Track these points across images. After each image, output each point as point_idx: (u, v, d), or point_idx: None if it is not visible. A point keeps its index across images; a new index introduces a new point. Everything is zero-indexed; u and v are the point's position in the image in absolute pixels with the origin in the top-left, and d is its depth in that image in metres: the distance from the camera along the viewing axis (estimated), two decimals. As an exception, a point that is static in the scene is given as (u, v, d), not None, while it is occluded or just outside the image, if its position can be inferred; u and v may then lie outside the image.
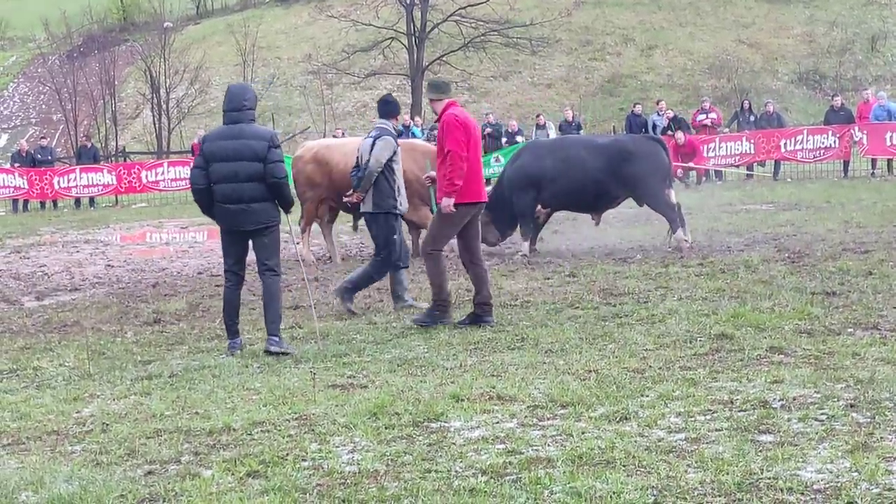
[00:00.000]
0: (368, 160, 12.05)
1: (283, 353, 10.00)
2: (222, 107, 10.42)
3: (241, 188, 10.11)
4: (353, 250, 19.08)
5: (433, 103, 11.45)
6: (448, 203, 11.03)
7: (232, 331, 10.48)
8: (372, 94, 57.79)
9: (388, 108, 12.45)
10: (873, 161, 31.26)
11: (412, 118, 38.04)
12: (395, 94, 56.74)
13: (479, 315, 11.11)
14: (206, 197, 10.38)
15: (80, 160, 37.01)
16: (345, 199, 12.67)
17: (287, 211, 10.50)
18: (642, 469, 6.03)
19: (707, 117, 33.54)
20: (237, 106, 10.22)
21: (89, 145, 39.08)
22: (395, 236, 12.31)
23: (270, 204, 10.24)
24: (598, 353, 9.15)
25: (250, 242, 10.52)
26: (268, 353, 10.07)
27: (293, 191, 11.71)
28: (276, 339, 10.20)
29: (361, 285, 12.45)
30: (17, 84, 70.18)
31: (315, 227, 18.17)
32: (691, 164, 30.08)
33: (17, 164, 36.46)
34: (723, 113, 37.06)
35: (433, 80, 12.17)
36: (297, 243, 13.91)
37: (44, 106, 64.48)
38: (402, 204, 12.39)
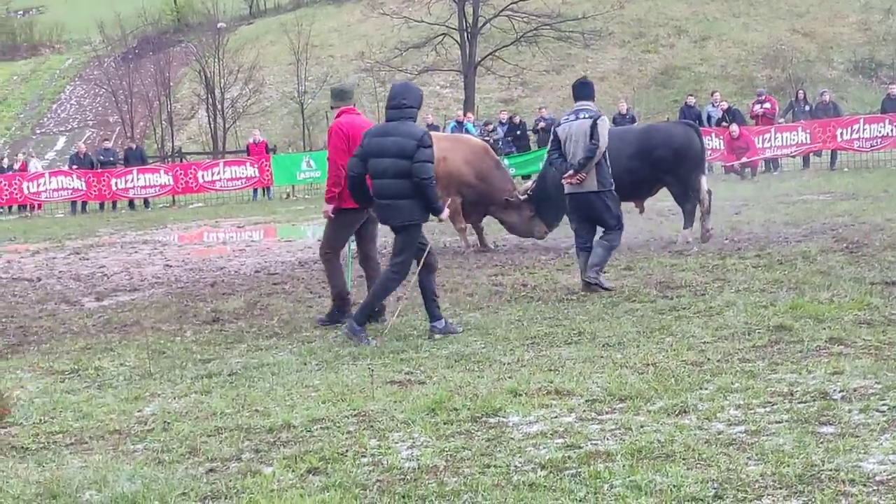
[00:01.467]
0: (595, 141, 12.29)
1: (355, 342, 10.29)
2: (385, 105, 10.74)
3: (389, 184, 10.36)
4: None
5: (333, 110, 11.92)
6: (326, 209, 11.84)
7: (433, 313, 10.71)
8: (425, 91, 57.65)
9: (586, 89, 12.87)
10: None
11: (465, 114, 38.02)
12: (447, 90, 57.02)
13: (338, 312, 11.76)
14: (357, 185, 10.69)
15: (129, 162, 37.31)
16: (563, 180, 12.76)
17: (431, 212, 10.58)
18: (702, 462, 6.01)
19: (761, 107, 33.37)
20: (396, 104, 10.48)
21: (135, 147, 39.41)
22: (619, 211, 12.84)
23: (417, 202, 10.39)
24: (656, 347, 9.11)
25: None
26: (342, 333, 10.48)
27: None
28: (357, 327, 10.44)
29: (605, 260, 12.70)
30: (73, 87, 70.89)
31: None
32: (745, 160, 29.95)
33: (75, 167, 36.81)
34: (778, 103, 36.80)
35: (333, 87, 12.50)
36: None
37: (100, 108, 65.11)
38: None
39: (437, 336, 10.39)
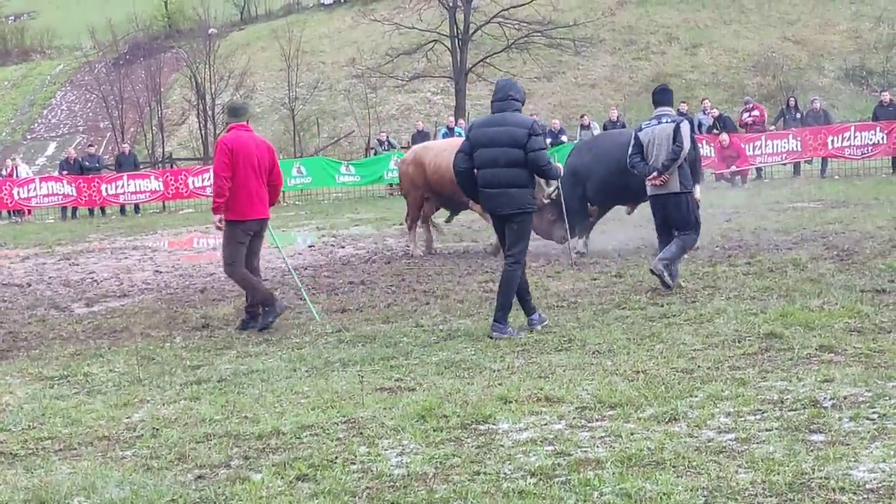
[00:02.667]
0: (679, 144, 12.59)
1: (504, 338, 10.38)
2: (490, 99, 11.01)
3: (501, 173, 10.57)
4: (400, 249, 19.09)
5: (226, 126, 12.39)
6: (214, 219, 12.35)
7: (527, 308, 10.96)
8: (416, 98, 57.97)
9: (667, 95, 13.28)
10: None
11: (456, 121, 38.02)
12: (438, 96, 57.03)
13: (249, 318, 12.26)
14: (467, 180, 10.97)
15: (121, 168, 37.25)
16: (647, 182, 13.08)
17: (546, 177, 11.20)
18: (692, 470, 6.00)
19: (749, 115, 33.44)
20: (503, 97, 10.76)
21: (127, 152, 39.33)
22: (699, 212, 13.15)
23: (528, 190, 10.63)
24: (646, 354, 9.11)
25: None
26: (490, 337, 10.44)
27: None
28: (500, 325, 10.55)
29: (677, 259, 12.87)
30: (64, 92, 70.82)
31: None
32: (735, 168, 29.99)
33: (65, 172, 36.75)
34: (767, 110, 36.85)
35: (228, 105, 13.09)
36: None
37: (91, 114, 65.02)
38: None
39: (537, 328, 10.65)
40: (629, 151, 13.28)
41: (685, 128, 12.71)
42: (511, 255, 10.73)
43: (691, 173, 12.85)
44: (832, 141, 31.43)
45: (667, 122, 12.79)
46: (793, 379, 7.88)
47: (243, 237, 12.17)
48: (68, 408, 8.69)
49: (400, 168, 19.34)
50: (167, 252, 22.18)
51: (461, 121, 38.75)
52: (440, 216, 19.82)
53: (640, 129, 13.16)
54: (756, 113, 33.63)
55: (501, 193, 10.58)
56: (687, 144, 12.60)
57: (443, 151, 17.59)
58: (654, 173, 12.79)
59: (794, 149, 31.52)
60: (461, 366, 9.20)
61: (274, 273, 16.91)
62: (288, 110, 55.65)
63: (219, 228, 12.32)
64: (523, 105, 10.89)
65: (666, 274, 12.50)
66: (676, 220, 12.97)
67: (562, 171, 11.18)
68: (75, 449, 7.47)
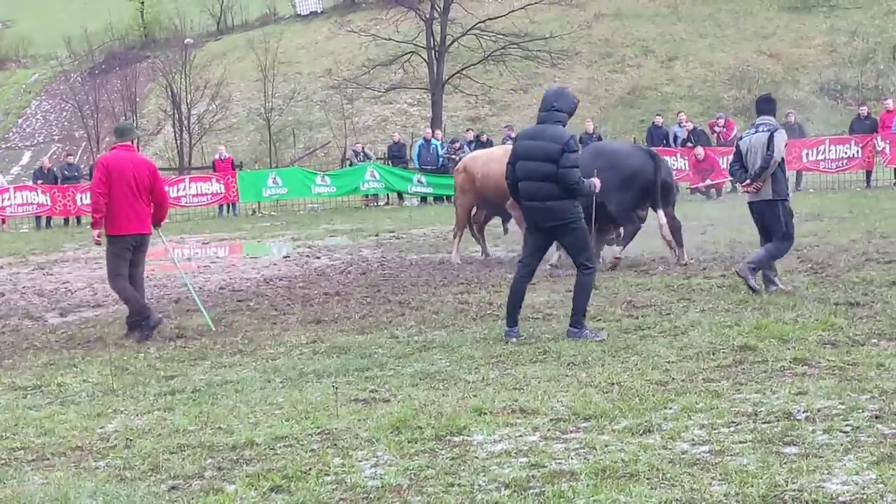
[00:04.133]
0: (771, 152, 12.72)
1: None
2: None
3: (537, 186, 10.59)
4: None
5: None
6: (93, 234, 12.97)
7: (511, 318, 10.94)
8: (392, 109, 57.97)
9: (770, 105, 13.40)
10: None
11: (433, 132, 38.04)
12: (415, 107, 57.06)
13: (131, 329, 12.62)
14: (515, 192, 11.01)
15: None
16: (741, 190, 13.39)
17: (575, 195, 10.71)
18: (666, 482, 6.01)
19: (719, 128, 33.57)
20: (546, 108, 10.80)
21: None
22: (792, 220, 13.22)
23: (568, 202, 10.58)
24: (621, 366, 9.13)
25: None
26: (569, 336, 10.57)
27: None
28: (576, 329, 10.61)
29: (763, 264, 12.94)
30: (39, 101, 70.58)
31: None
32: (709, 181, 30.09)
33: (39, 181, 36.60)
34: (743, 123, 36.94)
35: (115, 126, 13.59)
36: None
37: (66, 123, 64.82)
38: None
39: (513, 340, 10.66)
40: (731, 159, 13.59)
41: (779, 137, 12.87)
42: (581, 263, 10.74)
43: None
44: (807, 154, 31.54)
45: (763, 130, 12.95)
46: (767, 391, 7.91)
47: (122, 251, 12.67)
48: (41, 418, 8.65)
49: (454, 175, 19.77)
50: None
51: (438, 132, 38.77)
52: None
53: (741, 139, 13.40)
54: (720, 129, 33.70)
55: (540, 207, 10.62)
56: (779, 153, 12.75)
57: (491, 160, 17.85)
58: (748, 181, 13.01)
59: (769, 162, 31.58)
60: (436, 377, 9.20)
61: (249, 284, 16.86)
62: (264, 121, 55.60)
63: (97, 243, 13.06)
64: (571, 115, 10.83)
65: (751, 278, 12.61)
66: (767, 227, 13.13)
67: (597, 187, 11.05)
68: (48, 459, 7.43)
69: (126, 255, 12.71)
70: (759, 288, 12.56)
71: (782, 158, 12.86)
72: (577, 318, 10.67)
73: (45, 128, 66.93)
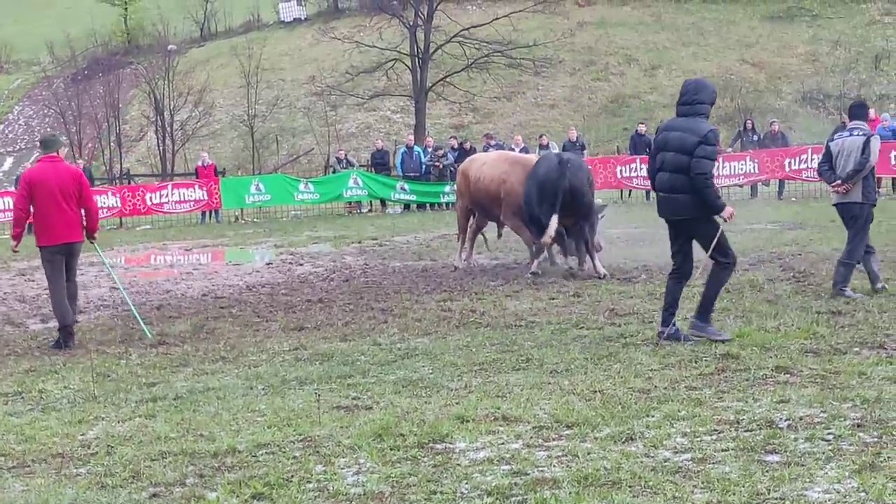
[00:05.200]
0: (866, 156, 12.84)
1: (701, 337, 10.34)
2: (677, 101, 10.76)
3: (668, 177, 10.48)
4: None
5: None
6: (11, 245, 13.43)
7: (662, 316, 10.74)
8: (375, 116, 57.91)
9: (862, 111, 13.82)
10: (878, 180, 31.22)
11: (417, 139, 38.07)
12: (398, 115, 57.05)
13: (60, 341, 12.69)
14: (654, 184, 10.91)
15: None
16: (831, 190, 13.41)
17: (710, 210, 10.43)
18: (648, 490, 6.01)
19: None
20: (688, 100, 10.58)
21: (83, 167, 38.94)
22: (870, 224, 13.32)
23: (694, 198, 10.36)
24: (604, 374, 9.13)
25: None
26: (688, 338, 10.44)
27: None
28: (700, 324, 10.49)
29: (848, 274, 12.96)
30: (21, 107, 70.32)
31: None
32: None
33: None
34: (727, 132, 37.03)
35: (40, 138, 13.87)
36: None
37: (48, 129, 64.44)
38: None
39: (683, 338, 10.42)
40: (820, 159, 13.68)
41: (875, 142, 12.98)
42: (713, 257, 10.57)
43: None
44: (789, 163, 31.64)
45: (858, 134, 13.05)
46: (749, 399, 7.92)
47: (51, 258, 13.00)
48: (22, 424, 8.62)
49: (457, 177, 19.49)
50: (124, 268, 22.04)
51: (429, 139, 38.81)
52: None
53: (832, 140, 13.50)
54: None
55: (667, 199, 10.54)
56: (874, 158, 12.87)
57: (484, 164, 17.76)
58: (838, 182, 13.06)
59: (752, 171, 31.70)
60: (418, 384, 9.19)
61: (231, 290, 16.84)
62: (247, 127, 55.47)
63: (15, 251, 13.62)
64: (712, 106, 10.63)
65: (848, 292, 12.72)
66: (852, 228, 13.17)
67: (729, 213, 10.45)
68: (29, 466, 7.41)
69: (59, 264, 13.02)
70: (861, 295, 12.65)
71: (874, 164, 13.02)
72: (705, 311, 10.55)
73: (27, 133, 66.66)
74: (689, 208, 10.40)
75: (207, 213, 36.01)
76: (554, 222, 15.77)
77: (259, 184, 36.11)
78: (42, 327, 14.23)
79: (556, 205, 15.81)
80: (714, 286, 10.60)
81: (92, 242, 13.42)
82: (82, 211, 13.13)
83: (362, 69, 50.47)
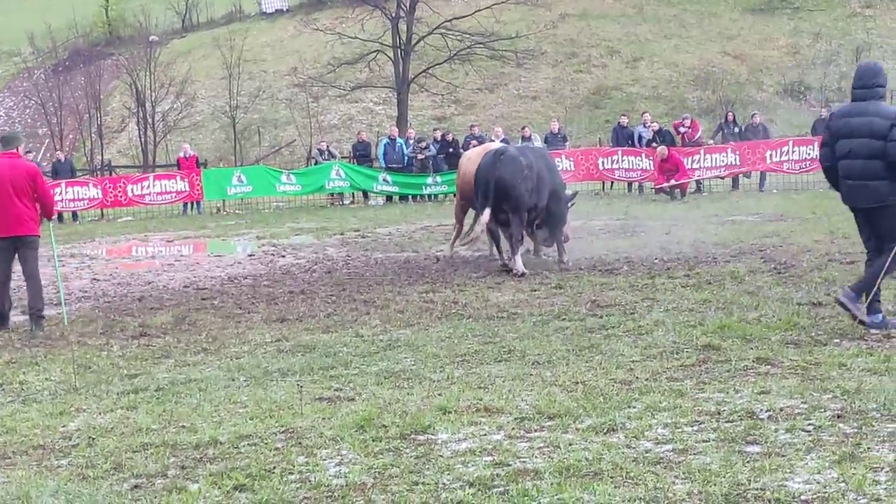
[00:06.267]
0: None
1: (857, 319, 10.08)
2: (851, 85, 10.51)
3: (862, 164, 10.14)
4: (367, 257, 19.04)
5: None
6: None
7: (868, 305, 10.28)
8: (357, 108, 57.88)
9: None
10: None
11: (400, 131, 38.05)
12: (380, 106, 57.02)
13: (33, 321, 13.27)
14: (832, 174, 10.63)
15: (58, 175, 36.69)
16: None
17: None
18: (630, 480, 6.03)
19: (683, 129, 33.67)
20: (865, 83, 10.30)
21: (63, 159, 38.83)
22: None
23: (890, 183, 10.11)
24: (585, 365, 9.15)
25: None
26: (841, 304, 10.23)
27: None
28: (877, 321, 10.14)
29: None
30: (2, 98, 70.06)
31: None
32: (674, 182, 30.19)
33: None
34: (708, 124, 37.06)
35: (0, 136, 14.18)
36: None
37: (29, 120, 64.36)
38: None
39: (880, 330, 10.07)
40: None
41: None
42: (889, 248, 10.18)
43: None
44: (771, 155, 31.66)
45: None
46: (730, 391, 7.94)
47: (8, 250, 13.54)
48: (3, 416, 8.61)
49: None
50: (105, 260, 22.00)
51: (411, 131, 38.77)
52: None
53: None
54: (685, 130, 33.80)
55: (860, 186, 10.20)
56: None
57: (468, 159, 17.82)
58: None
59: (733, 163, 31.73)
60: (401, 376, 9.19)
61: (213, 282, 16.82)
62: (229, 118, 55.39)
63: None
64: (886, 88, 10.37)
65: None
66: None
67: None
68: (10, 458, 7.40)
69: (8, 254, 13.57)
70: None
71: None
72: (872, 303, 10.21)
73: (7, 125, 66.38)
74: (886, 194, 10.15)
75: (189, 205, 35.89)
76: (486, 214, 15.91)
77: (241, 175, 35.99)
78: (22, 319, 14.18)
79: (490, 197, 15.87)
80: (878, 272, 10.23)
81: (47, 221, 14.28)
82: (38, 206, 13.66)
83: (344, 60, 50.37)
